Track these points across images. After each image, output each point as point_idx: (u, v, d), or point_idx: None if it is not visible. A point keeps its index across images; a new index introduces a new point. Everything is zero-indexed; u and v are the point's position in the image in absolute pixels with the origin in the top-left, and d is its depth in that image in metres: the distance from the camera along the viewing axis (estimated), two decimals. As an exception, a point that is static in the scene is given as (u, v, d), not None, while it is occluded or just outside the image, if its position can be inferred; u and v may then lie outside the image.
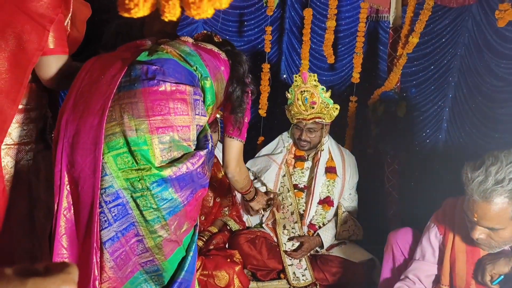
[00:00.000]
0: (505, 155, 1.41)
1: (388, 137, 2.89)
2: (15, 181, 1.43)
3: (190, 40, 1.52)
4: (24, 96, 1.40)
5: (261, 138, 3.07)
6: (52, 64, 1.37)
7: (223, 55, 1.52)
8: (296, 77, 2.48)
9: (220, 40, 1.61)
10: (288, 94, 2.53)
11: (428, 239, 1.73)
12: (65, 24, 1.44)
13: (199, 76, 1.41)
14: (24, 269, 0.51)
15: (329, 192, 2.54)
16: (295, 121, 2.53)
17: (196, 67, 1.40)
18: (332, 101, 2.47)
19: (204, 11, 0.73)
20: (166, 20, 0.75)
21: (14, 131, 1.42)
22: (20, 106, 1.41)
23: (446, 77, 3.18)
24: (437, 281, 1.72)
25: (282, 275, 2.41)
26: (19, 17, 1.28)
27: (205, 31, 1.66)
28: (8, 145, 1.41)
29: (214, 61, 1.46)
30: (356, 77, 3.03)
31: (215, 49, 1.51)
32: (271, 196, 2.19)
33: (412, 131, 3.00)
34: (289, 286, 2.37)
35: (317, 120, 2.47)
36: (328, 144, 2.63)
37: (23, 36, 1.29)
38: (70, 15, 1.44)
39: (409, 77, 3.20)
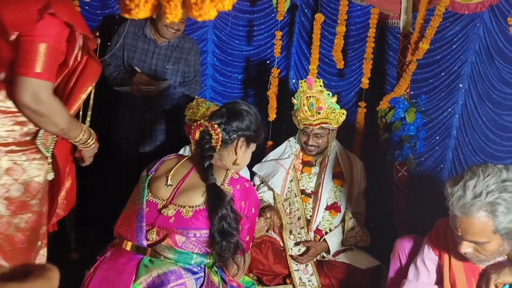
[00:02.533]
0: (482, 169, 1.41)
1: (397, 143, 2.87)
2: None
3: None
4: (9, 99, 1.43)
5: (270, 143, 3.08)
6: (32, 87, 1.39)
7: (202, 206, 1.46)
8: (301, 82, 2.47)
9: (210, 163, 1.52)
10: (294, 100, 2.53)
11: (423, 261, 1.71)
12: (74, 54, 1.50)
13: (200, 261, 1.45)
14: (1, 273, 0.48)
15: (336, 198, 2.53)
16: (302, 126, 2.53)
17: (196, 260, 1.44)
18: (338, 106, 2.46)
19: (206, 13, 0.72)
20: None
21: None
22: (4, 108, 1.44)
23: (456, 83, 3.16)
24: None
25: (288, 280, 2.41)
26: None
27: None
28: None
29: (197, 235, 1.45)
30: (365, 82, 3.02)
31: (195, 206, 1.46)
32: (268, 215, 2.24)
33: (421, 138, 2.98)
34: (295, 291, 2.37)
35: (323, 125, 2.46)
36: (336, 149, 2.62)
37: None
38: (78, 46, 1.51)
39: (419, 83, 3.18)
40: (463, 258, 1.56)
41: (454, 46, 3.10)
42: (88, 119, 1.76)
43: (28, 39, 1.40)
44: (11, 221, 1.47)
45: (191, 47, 2.90)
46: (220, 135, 1.57)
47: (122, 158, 2.92)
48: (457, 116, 3.20)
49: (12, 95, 1.42)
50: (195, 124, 1.62)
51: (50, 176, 1.58)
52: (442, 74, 3.17)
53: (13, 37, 1.37)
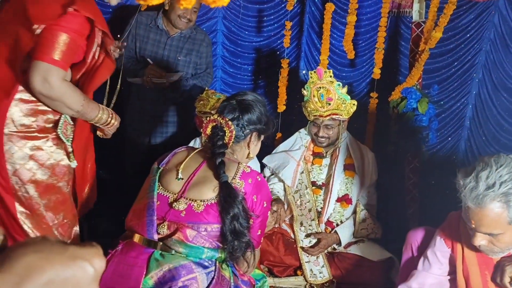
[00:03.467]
0: (495, 159, 1.39)
1: (409, 134, 2.84)
2: (18, 166, 1.53)
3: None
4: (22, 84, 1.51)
5: (279, 134, 3.06)
6: (44, 71, 1.46)
7: (213, 200, 1.45)
8: (311, 73, 2.44)
9: (219, 159, 1.50)
10: (304, 91, 2.50)
11: (434, 253, 1.69)
12: (93, 49, 1.59)
13: (211, 255, 1.45)
14: (62, 240, 0.58)
15: (347, 190, 2.51)
16: (312, 118, 2.50)
17: (207, 254, 1.44)
18: (349, 97, 2.42)
19: None
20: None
21: (17, 120, 1.52)
22: (26, 97, 1.52)
23: (470, 73, 3.11)
24: None
25: (299, 272, 2.41)
26: (22, 14, 1.46)
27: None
28: (11, 131, 1.52)
29: (208, 230, 1.44)
30: (377, 73, 2.98)
31: (206, 200, 1.45)
32: (274, 209, 2.22)
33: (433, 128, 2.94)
34: (306, 283, 2.36)
35: (334, 116, 2.43)
36: (347, 141, 2.60)
37: (20, 33, 1.47)
38: (96, 41, 1.59)
39: (431, 73, 3.14)
40: (476, 250, 1.54)
41: (468, 35, 3.04)
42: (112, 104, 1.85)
43: (49, 28, 1.47)
44: (39, 202, 1.58)
45: (203, 39, 2.89)
46: (234, 132, 1.54)
47: (133, 149, 2.93)
48: (470, 106, 3.15)
49: (26, 81, 1.48)
50: (207, 118, 1.59)
51: (74, 164, 1.66)
52: (456, 63, 3.12)
53: (35, 28, 1.45)
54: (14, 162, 1.52)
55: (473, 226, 1.41)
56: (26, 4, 1.46)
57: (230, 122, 1.54)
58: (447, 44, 3.08)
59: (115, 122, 1.73)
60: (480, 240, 1.42)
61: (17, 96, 1.51)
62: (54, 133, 1.60)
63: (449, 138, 3.21)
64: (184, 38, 2.82)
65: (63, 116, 1.60)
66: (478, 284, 1.55)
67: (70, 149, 1.65)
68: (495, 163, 1.37)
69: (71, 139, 1.65)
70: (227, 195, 1.42)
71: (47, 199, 1.59)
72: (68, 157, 1.64)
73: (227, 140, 1.54)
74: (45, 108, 1.56)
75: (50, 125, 1.59)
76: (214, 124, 1.57)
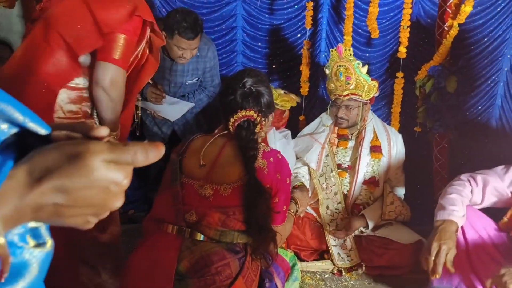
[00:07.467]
0: None
1: (437, 114, 2.75)
2: None
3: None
4: (78, 77, 1.63)
5: (302, 118, 3.02)
6: (112, 72, 1.59)
7: (239, 182, 1.48)
8: (332, 51, 2.38)
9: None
10: (326, 70, 2.44)
11: (500, 174, 1.75)
12: (139, 48, 1.68)
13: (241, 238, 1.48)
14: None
15: (374, 172, 2.46)
16: (333, 97, 2.45)
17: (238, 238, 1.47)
18: (369, 78, 2.34)
19: None
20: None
21: (65, 106, 1.62)
22: (73, 85, 1.62)
23: (501, 49, 2.97)
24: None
25: (326, 256, 2.38)
26: (87, 18, 1.56)
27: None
28: (60, 117, 1.60)
29: (236, 213, 1.47)
30: (402, 52, 2.88)
31: (232, 183, 1.48)
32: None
33: (463, 108, 2.84)
34: (333, 266, 2.34)
35: (353, 97, 2.36)
36: (373, 122, 2.54)
37: (82, 33, 1.57)
38: (145, 40, 1.69)
39: (460, 50, 3.01)
40: None
41: (498, 9, 2.91)
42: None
43: (113, 31, 1.59)
44: None
45: (206, 54, 2.73)
46: (263, 122, 1.60)
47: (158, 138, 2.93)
48: (502, 83, 3.02)
49: (92, 78, 1.62)
50: (235, 116, 1.58)
51: None
52: (485, 39, 2.98)
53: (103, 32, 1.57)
54: None
55: None
56: (93, 9, 1.55)
57: (261, 116, 1.58)
58: (475, 20, 2.95)
59: None
60: None
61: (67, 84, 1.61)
62: (92, 120, 1.71)
63: (479, 118, 3.10)
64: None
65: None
66: None
67: None
68: None
69: None
70: (255, 192, 1.42)
71: None
72: None
73: (258, 130, 1.57)
74: (87, 95, 1.66)
75: (89, 110, 1.69)
76: (243, 120, 1.58)
